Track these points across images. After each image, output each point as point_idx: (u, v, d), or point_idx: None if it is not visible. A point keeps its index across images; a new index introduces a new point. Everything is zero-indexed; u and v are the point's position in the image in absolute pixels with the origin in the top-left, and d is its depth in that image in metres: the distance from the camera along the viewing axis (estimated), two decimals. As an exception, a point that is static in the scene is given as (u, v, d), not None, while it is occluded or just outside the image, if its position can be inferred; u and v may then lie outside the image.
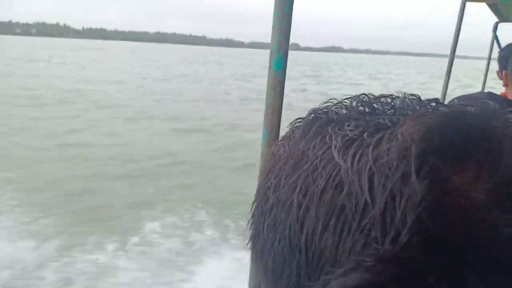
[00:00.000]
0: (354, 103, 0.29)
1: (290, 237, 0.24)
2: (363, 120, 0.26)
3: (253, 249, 0.29)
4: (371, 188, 0.21)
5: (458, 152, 0.20)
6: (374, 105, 0.28)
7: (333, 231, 0.22)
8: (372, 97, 0.29)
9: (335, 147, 0.24)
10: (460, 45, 2.53)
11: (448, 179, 0.19)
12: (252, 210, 0.30)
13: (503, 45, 3.00)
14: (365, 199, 0.21)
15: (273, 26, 0.85)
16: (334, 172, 0.23)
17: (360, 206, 0.21)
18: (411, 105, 0.27)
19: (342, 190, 0.22)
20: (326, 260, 0.22)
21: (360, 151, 0.23)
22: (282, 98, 0.88)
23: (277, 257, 0.25)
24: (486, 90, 3.22)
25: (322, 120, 0.28)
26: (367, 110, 0.28)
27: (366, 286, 0.19)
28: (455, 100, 1.50)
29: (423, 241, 0.19)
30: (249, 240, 0.30)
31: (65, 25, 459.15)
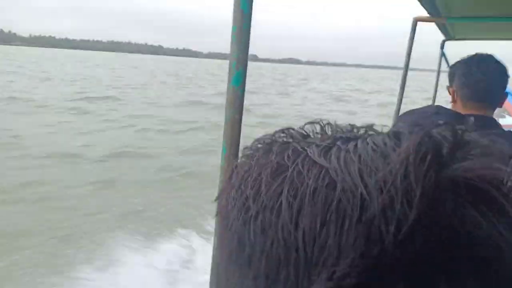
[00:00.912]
0: (295, 131, 0.30)
1: (284, 237, 0.24)
2: (325, 136, 0.28)
3: (236, 261, 0.28)
4: (365, 185, 0.22)
5: (443, 150, 0.22)
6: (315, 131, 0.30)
7: (334, 225, 0.22)
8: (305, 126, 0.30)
9: (314, 154, 0.26)
10: (413, 59, 2.74)
11: (441, 171, 0.22)
12: (229, 224, 0.29)
13: (450, 61, 3.40)
14: (361, 195, 0.22)
15: (231, 42, 0.86)
16: (322, 173, 0.24)
17: (358, 201, 0.22)
18: (346, 130, 0.29)
19: (335, 188, 0.23)
20: (329, 254, 0.22)
21: (342, 154, 0.25)
22: (242, 113, 0.90)
23: (270, 260, 0.25)
24: (436, 103, 3.59)
25: (279, 141, 0.29)
26: (315, 133, 0.30)
27: (372, 273, 0.21)
28: (402, 116, 1.54)
29: (426, 229, 0.21)
30: (229, 254, 0.29)
31: (9, 32, 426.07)
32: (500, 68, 1.42)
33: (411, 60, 2.73)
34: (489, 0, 2.12)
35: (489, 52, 1.46)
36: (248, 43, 0.86)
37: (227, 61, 0.89)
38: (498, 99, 1.47)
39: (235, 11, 0.85)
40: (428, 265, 0.21)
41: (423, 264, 0.21)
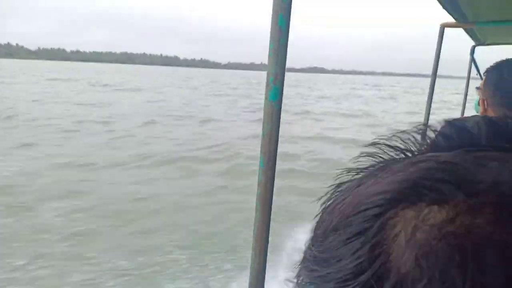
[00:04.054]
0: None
1: None
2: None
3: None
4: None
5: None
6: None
7: None
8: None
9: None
10: (441, 66, 2.67)
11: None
12: (297, 276, 0.26)
13: (480, 67, 3.52)
14: None
15: (269, 58, 0.88)
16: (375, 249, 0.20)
17: None
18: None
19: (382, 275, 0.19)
20: None
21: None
22: (279, 127, 0.91)
23: None
24: (466, 110, 3.71)
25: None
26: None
27: None
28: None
29: None
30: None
31: (17, 45, 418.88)
32: None
33: (443, 68, 2.70)
34: None
35: None
36: (285, 58, 0.87)
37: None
38: None
39: (272, 28, 0.87)
40: None
41: None
